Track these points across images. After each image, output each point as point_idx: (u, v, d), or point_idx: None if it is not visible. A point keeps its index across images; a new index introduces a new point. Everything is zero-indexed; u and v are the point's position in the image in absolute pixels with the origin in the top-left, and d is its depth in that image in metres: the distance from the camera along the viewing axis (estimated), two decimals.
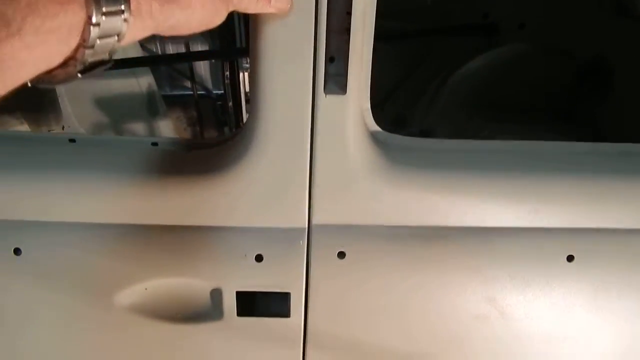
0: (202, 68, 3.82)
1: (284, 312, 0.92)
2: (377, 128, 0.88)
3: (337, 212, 0.88)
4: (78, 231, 0.89)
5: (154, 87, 2.95)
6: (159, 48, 3.53)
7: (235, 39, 2.98)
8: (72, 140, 0.93)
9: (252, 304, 0.92)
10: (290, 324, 0.94)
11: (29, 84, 0.49)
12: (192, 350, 0.97)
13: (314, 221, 0.88)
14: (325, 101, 0.78)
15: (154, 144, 0.93)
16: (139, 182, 0.88)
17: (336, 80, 0.77)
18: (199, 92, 3.78)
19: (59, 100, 2.57)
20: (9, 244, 0.88)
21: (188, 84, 3.81)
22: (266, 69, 0.77)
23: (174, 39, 3.52)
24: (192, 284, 0.92)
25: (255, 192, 0.86)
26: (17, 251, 0.88)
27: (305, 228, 0.89)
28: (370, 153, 0.86)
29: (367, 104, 0.84)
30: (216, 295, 0.92)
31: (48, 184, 0.88)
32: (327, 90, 0.77)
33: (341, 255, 0.89)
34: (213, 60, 3.72)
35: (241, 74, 3.46)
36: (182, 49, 3.48)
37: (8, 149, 0.92)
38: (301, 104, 0.79)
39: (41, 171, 0.89)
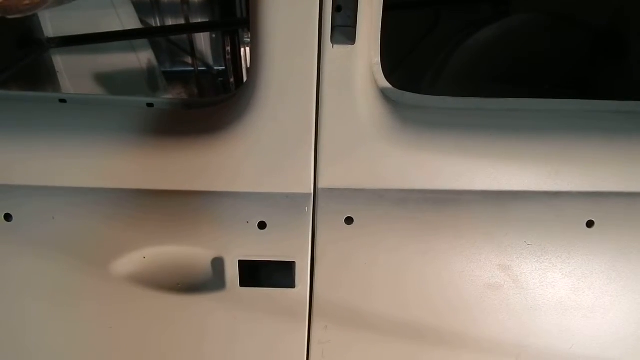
0: (203, 44, 3.73)
1: (289, 283, 0.88)
2: (387, 84, 0.82)
3: (345, 175, 0.83)
4: (71, 196, 0.84)
5: (155, 63, 2.89)
6: (157, 22, 3.44)
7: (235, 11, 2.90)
8: (63, 101, 0.87)
9: (255, 273, 0.88)
10: (296, 295, 0.90)
11: None
12: (192, 323, 0.93)
13: (320, 185, 0.83)
14: (333, 52, 0.73)
15: (150, 104, 0.88)
16: (134, 145, 0.83)
17: (344, 30, 0.71)
18: (199, 68, 3.70)
19: (58, 76, 2.52)
20: None
21: (189, 60, 3.73)
22: (268, 19, 0.71)
23: (173, 12, 3.44)
24: (192, 252, 0.88)
25: (258, 154, 0.81)
26: (7, 217, 0.84)
27: (310, 193, 0.84)
28: (380, 111, 0.81)
29: (377, 58, 0.78)
30: (218, 264, 0.88)
31: (38, 146, 0.83)
32: (334, 41, 0.72)
33: (349, 220, 0.84)
34: (214, 35, 3.63)
35: (242, 50, 3.39)
36: (182, 23, 3.40)
37: None
38: (307, 56, 0.73)
39: (31, 133, 0.84)
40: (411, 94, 0.85)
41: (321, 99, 0.77)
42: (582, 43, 1.93)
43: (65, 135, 0.83)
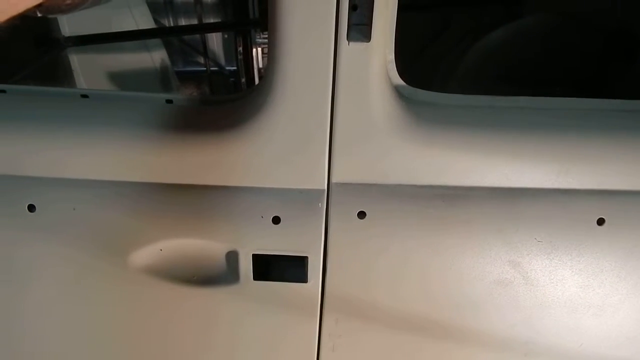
0: (215, 44, 3.77)
1: (301, 277, 0.90)
2: (400, 82, 0.84)
3: (358, 170, 0.84)
4: (92, 188, 0.87)
5: (168, 62, 2.93)
6: (171, 22, 3.49)
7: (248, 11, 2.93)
8: (85, 96, 0.90)
9: (269, 268, 0.90)
10: (308, 289, 0.92)
11: (39, 14, 0.46)
12: (206, 314, 0.95)
13: (334, 179, 0.85)
14: (348, 50, 0.74)
15: (169, 101, 0.90)
16: (152, 139, 0.85)
17: (359, 28, 0.73)
18: (211, 68, 3.74)
19: (74, 75, 2.56)
20: (23, 201, 0.86)
21: (201, 60, 3.77)
22: (286, 17, 0.73)
23: (187, 12, 3.47)
24: (207, 245, 0.90)
25: (273, 150, 0.83)
26: (31, 208, 0.87)
27: (324, 189, 0.86)
28: (394, 108, 0.82)
29: (391, 55, 0.80)
30: (232, 258, 0.90)
31: (61, 139, 0.86)
32: (350, 38, 0.73)
33: (361, 215, 0.86)
34: (226, 36, 3.67)
35: (254, 50, 3.42)
36: (195, 23, 3.44)
37: (21, 104, 0.90)
38: (323, 53, 0.75)
39: (54, 127, 0.86)
40: (424, 91, 0.86)
41: (336, 96, 0.79)
42: (594, 44, 1.93)
43: (86, 129, 0.86)
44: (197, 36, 3.59)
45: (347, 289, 0.91)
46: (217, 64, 3.81)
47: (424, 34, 2.43)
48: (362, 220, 0.86)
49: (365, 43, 0.75)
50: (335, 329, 0.95)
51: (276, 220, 0.87)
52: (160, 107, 0.88)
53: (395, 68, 0.83)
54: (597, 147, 0.85)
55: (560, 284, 0.90)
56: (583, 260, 0.88)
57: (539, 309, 0.92)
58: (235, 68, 3.68)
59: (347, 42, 0.74)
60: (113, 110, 0.89)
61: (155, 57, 2.82)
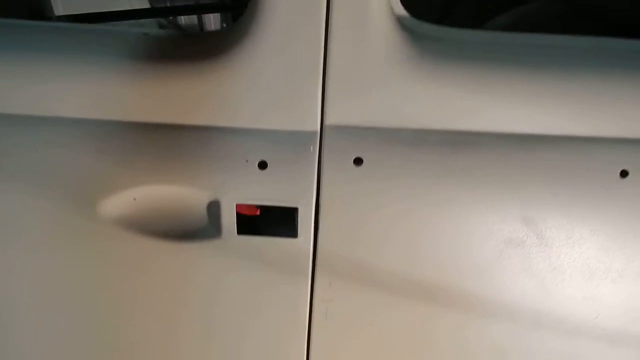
0: (213, 29, 3.70)
1: (291, 232, 0.81)
2: (404, 12, 0.76)
3: (355, 112, 0.76)
4: (57, 127, 0.77)
5: None
6: (167, 3, 3.43)
7: None
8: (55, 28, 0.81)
9: (254, 220, 0.81)
10: (298, 246, 0.83)
11: None
12: (184, 271, 0.86)
13: (328, 122, 0.76)
14: None
15: (145, 34, 0.82)
16: (125, 72, 0.76)
17: None
18: None
19: None
20: None
21: None
22: None
23: None
24: (186, 194, 0.81)
25: (259, 85, 0.74)
26: None
27: (317, 132, 0.77)
28: (396, 41, 0.74)
29: None
30: (214, 208, 0.81)
31: (26, 73, 0.77)
32: None
33: (358, 161, 0.77)
34: (224, 25, 3.60)
35: None
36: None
37: None
38: None
39: (18, 59, 0.77)
40: (430, 24, 0.78)
41: (331, 24, 0.71)
42: (601, 34, 1.86)
43: (51, 60, 0.77)
44: (195, 22, 3.52)
45: (342, 246, 0.82)
46: None
47: (426, 18, 2.35)
48: (358, 167, 0.77)
49: None
50: (328, 292, 0.86)
51: (262, 165, 0.78)
52: (134, 38, 0.80)
53: None
54: (623, 90, 0.76)
55: (577, 245, 0.82)
56: (603, 218, 0.80)
57: (553, 274, 0.83)
58: None
59: None
60: (82, 42, 0.80)
61: None
